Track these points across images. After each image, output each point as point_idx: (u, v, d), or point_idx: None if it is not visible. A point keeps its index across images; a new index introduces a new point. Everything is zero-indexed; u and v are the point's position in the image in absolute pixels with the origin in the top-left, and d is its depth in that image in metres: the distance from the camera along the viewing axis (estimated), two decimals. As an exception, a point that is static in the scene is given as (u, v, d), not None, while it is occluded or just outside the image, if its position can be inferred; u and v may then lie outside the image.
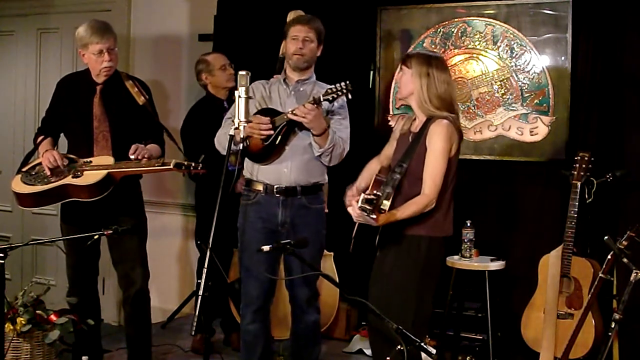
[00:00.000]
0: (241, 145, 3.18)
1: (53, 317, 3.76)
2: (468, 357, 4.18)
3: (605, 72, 4.23)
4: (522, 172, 4.51)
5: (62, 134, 3.96)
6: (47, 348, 3.74)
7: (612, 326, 3.24)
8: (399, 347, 2.54)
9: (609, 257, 3.27)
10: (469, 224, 4.24)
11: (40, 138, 3.88)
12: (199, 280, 2.94)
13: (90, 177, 3.62)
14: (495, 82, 4.51)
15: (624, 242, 3.21)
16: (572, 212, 3.81)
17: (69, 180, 3.66)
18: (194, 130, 4.56)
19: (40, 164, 3.78)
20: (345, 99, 3.57)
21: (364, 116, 4.68)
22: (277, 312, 4.21)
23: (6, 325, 3.52)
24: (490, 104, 4.53)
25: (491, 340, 4.17)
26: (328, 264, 4.47)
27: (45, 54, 5.89)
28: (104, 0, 5.62)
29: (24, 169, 3.86)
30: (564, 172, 3.96)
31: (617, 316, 3.21)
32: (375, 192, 2.99)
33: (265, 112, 3.63)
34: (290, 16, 4.04)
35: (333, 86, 3.48)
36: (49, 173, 3.72)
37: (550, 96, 4.37)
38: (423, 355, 2.57)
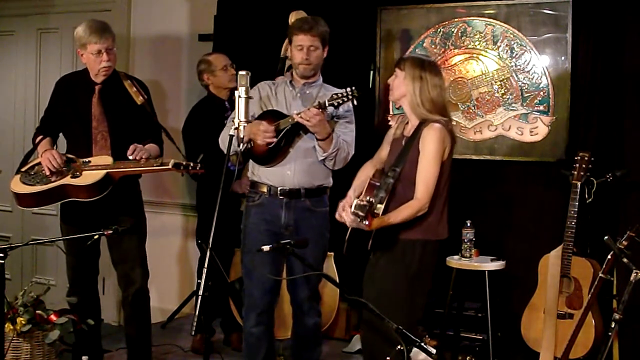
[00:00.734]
0: (241, 145, 3.18)
1: (53, 317, 3.76)
2: (468, 357, 4.18)
3: (605, 72, 4.23)
4: (522, 172, 4.51)
5: (61, 134, 3.96)
6: (47, 348, 3.74)
7: (612, 326, 3.24)
8: (399, 347, 2.55)
9: (609, 257, 3.27)
10: (469, 224, 4.23)
11: (39, 138, 3.88)
12: (199, 280, 2.95)
13: (89, 177, 3.62)
14: (495, 82, 4.51)
15: (624, 242, 3.21)
16: (572, 212, 3.80)
17: (67, 180, 3.65)
18: (196, 130, 4.56)
19: (39, 163, 3.78)
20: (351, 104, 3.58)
21: (364, 116, 4.67)
22: (278, 312, 4.21)
23: (6, 325, 3.52)
24: (490, 104, 4.53)
25: (491, 340, 4.17)
26: (328, 265, 4.47)
27: (45, 54, 5.89)
28: (104, 0, 5.62)
29: (23, 169, 3.85)
30: (564, 172, 3.96)
31: (617, 316, 3.21)
32: (368, 198, 3.00)
33: (269, 113, 3.63)
34: (292, 17, 4.03)
35: (339, 92, 3.48)
36: (48, 173, 3.72)
37: (550, 96, 4.37)
38: (423, 355, 2.58)
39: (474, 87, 4.57)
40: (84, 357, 3.69)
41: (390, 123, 4.70)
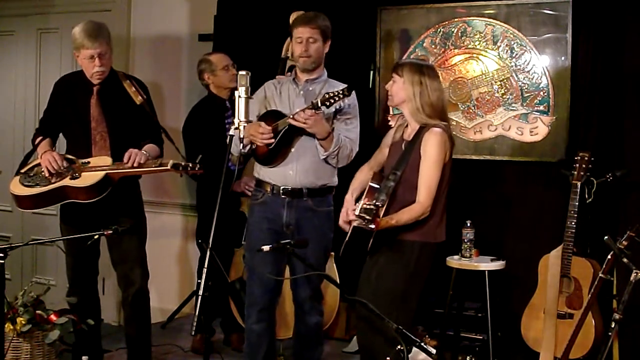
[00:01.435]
0: (241, 145, 3.19)
1: (53, 317, 3.76)
2: (468, 357, 4.18)
3: (605, 72, 4.23)
4: (522, 172, 4.51)
5: (60, 135, 3.95)
6: (47, 348, 3.74)
7: (612, 326, 3.24)
8: (399, 347, 2.55)
9: (609, 257, 3.27)
10: (469, 224, 4.23)
11: (38, 139, 3.87)
12: (199, 280, 2.95)
13: (89, 178, 3.62)
14: (495, 82, 4.51)
15: (624, 242, 3.21)
16: (572, 212, 3.81)
17: (67, 181, 3.65)
18: (196, 130, 4.56)
19: (38, 164, 3.78)
20: (355, 98, 3.57)
21: (364, 116, 4.67)
22: (280, 311, 4.21)
23: (6, 325, 3.52)
24: (490, 104, 4.53)
25: (491, 340, 4.17)
26: (329, 265, 4.47)
27: (45, 54, 5.89)
28: (104, 0, 5.62)
29: (22, 170, 3.85)
30: (564, 172, 3.96)
31: (617, 316, 3.21)
32: (374, 201, 3.05)
33: (270, 114, 3.63)
34: (293, 17, 4.04)
35: (330, 91, 3.48)
36: (47, 174, 3.71)
37: (550, 96, 4.37)
38: (423, 355, 2.58)
39: (474, 87, 4.57)
40: (84, 357, 3.68)
41: (390, 123, 4.70)
